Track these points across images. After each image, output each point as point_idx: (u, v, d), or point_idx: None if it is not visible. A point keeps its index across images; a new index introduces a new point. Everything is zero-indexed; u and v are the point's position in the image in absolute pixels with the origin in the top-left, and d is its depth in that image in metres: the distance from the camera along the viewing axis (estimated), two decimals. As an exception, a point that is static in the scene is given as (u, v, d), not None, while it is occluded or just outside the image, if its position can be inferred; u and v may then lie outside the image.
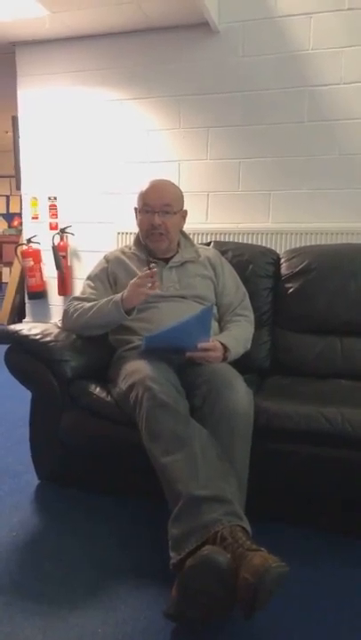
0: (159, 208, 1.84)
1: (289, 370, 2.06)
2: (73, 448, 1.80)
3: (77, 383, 1.80)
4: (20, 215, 5.12)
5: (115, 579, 1.41)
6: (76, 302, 1.88)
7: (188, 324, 1.60)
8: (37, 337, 1.81)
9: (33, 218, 4.29)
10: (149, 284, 1.71)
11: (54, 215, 4.22)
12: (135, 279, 1.74)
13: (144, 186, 1.90)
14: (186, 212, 1.94)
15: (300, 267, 2.14)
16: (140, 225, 1.91)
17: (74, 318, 1.84)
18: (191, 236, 2.06)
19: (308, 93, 3.43)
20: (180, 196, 1.92)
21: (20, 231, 4.69)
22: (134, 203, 1.95)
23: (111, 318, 1.78)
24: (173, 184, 1.94)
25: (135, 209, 1.95)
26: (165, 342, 1.63)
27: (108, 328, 1.85)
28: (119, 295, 1.76)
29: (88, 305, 1.82)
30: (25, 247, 4.28)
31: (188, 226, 2.02)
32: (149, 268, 1.77)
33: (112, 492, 1.81)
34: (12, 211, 8.76)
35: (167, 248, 1.91)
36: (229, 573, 1.13)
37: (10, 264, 6.00)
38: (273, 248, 2.46)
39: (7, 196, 8.86)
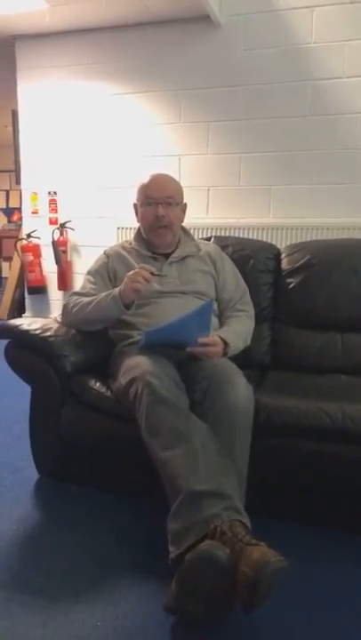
0: (162, 200, 1.83)
1: (289, 365, 2.06)
2: (73, 443, 1.80)
3: (77, 378, 1.79)
4: (19, 210, 5.12)
5: (114, 573, 1.41)
6: (75, 297, 1.88)
7: (187, 320, 1.59)
8: (37, 332, 1.81)
9: (33, 212, 4.29)
10: (140, 278, 1.66)
11: (54, 210, 4.21)
12: (130, 272, 1.72)
13: (144, 180, 1.89)
14: (186, 205, 1.94)
15: (301, 262, 2.14)
16: (142, 219, 1.90)
17: (73, 313, 1.84)
18: (192, 231, 2.05)
19: (310, 87, 3.42)
20: (180, 189, 1.91)
21: (20, 226, 4.68)
22: (134, 198, 1.94)
23: (110, 313, 1.77)
24: (173, 177, 1.93)
25: (135, 205, 1.93)
26: (165, 337, 1.62)
27: (107, 322, 1.84)
28: (117, 289, 1.75)
29: (87, 299, 1.82)
30: (25, 242, 4.28)
31: (189, 220, 2.02)
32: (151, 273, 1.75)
33: (112, 488, 1.81)
34: (11, 205, 8.73)
35: (170, 241, 1.91)
36: (229, 568, 1.13)
37: (10, 259, 6.00)
38: (274, 243, 2.45)
39: (7, 191, 8.84)
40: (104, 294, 1.78)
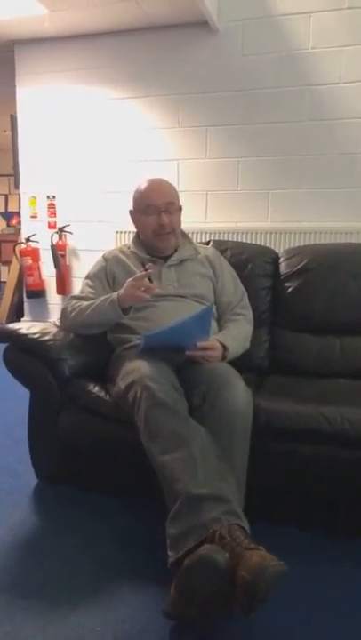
0: (164, 207, 1.84)
1: (288, 369, 2.06)
2: (71, 447, 1.80)
3: (76, 382, 1.79)
4: (18, 214, 5.12)
5: (114, 578, 1.41)
6: (74, 301, 1.88)
7: (187, 324, 1.60)
8: (36, 336, 1.81)
9: (31, 217, 4.29)
10: (143, 288, 1.69)
11: (53, 214, 4.22)
12: (131, 279, 1.73)
13: (141, 186, 1.89)
14: (181, 207, 1.94)
15: (299, 266, 2.14)
16: (144, 226, 1.89)
17: (72, 317, 1.84)
18: (190, 235, 2.06)
19: (307, 92, 3.44)
20: (177, 193, 1.92)
21: (19, 230, 4.68)
22: (131, 204, 1.93)
23: (108, 317, 1.78)
24: (168, 181, 1.94)
25: (131, 211, 1.93)
26: (164, 341, 1.63)
27: (105, 327, 1.85)
28: (116, 294, 1.75)
29: (86, 304, 1.82)
30: (23, 246, 4.28)
31: (188, 225, 2.02)
32: (145, 269, 1.77)
33: (111, 491, 1.81)
34: (10, 209, 8.74)
35: (173, 245, 1.92)
36: (228, 572, 1.13)
37: (8, 263, 5.99)
38: (272, 247, 2.46)
39: (6, 195, 8.85)
40: (102, 298, 1.79)
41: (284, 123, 3.51)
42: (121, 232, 3.90)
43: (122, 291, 1.73)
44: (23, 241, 4.30)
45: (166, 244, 1.89)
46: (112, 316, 1.77)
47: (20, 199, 4.41)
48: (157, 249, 1.91)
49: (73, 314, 1.84)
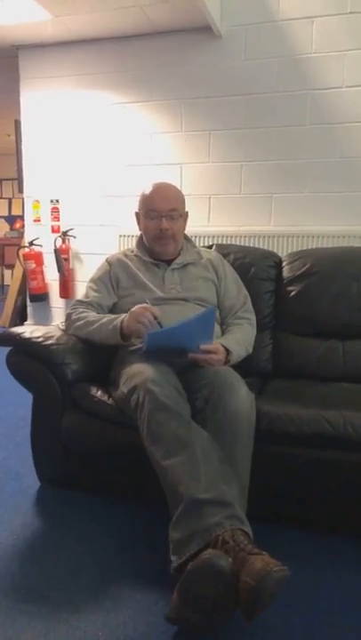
0: (166, 213, 1.84)
1: (291, 373, 2.06)
2: (74, 450, 1.80)
3: (78, 386, 1.80)
4: (22, 218, 5.14)
5: (116, 582, 1.40)
6: (80, 309, 1.88)
7: (190, 325, 1.60)
8: (39, 340, 1.81)
9: (35, 220, 4.31)
10: (146, 320, 1.65)
11: (56, 218, 4.23)
12: (135, 308, 1.70)
13: (146, 190, 1.89)
14: (187, 213, 1.95)
15: (302, 270, 2.14)
16: (145, 230, 1.91)
17: (75, 327, 1.84)
18: (193, 239, 2.06)
19: (310, 96, 3.44)
20: (183, 200, 1.92)
21: (22, 234, 4.70)
22: (136, 206, 1.95)
23: (108, 340, 1.77)
24: (175, 187, 1.94)
25: (137, 213, 1.94)
26: (167, 342, 1.62)
27: (105, 346, 1.82)
28: (120, 319, 1.73)
29: (92, 318, 1.82)
30: (27, 250, 4.30)
31: (190, 229, 2.02)
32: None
33: (113, 495, 1.81)
34: (14, 213, 8.78)
35: (173, 251, 1.92)
36: (231, 577, 1.13)
37: (12, 267, 6.02)
38: (275, 251, 2.46)
39: (9, 199, 8.89)
40: (107, 320, 1.78)
41: (286, 127, 3.52)
42: (124, 236, 3.91)
43: (126, 320, 1.71)
44: (27, 245, 4.32)
45: (164, 250, 1.90)
46: (112, 341, 1.76)
47: (23, 203, 4.43)
48: (156, 253, 1.91)
49: (77, 324, 1.84)
